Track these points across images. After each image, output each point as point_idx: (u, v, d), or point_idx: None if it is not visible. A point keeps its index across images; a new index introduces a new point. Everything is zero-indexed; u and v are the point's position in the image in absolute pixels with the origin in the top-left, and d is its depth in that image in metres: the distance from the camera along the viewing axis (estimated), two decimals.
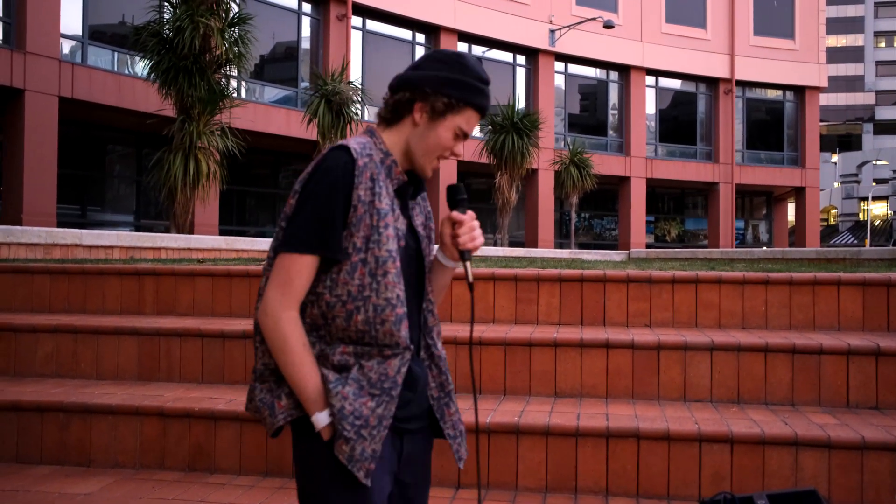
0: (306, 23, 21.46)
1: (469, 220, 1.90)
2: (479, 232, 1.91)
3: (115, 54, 17.11)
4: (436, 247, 1.98)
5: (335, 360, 1.75)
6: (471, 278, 1.90)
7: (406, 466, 1.86)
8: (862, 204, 57.08)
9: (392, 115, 1.86)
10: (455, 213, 1.91)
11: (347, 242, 1.74)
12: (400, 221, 1.81)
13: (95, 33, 16.90)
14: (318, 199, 1.72)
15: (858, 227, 53.72)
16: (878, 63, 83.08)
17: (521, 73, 26.31)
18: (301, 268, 1.73)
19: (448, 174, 23.10)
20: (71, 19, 16.12)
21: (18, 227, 8.20)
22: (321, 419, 1.72)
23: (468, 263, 1.91)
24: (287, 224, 1.75)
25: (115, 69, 17.04)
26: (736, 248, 29.00)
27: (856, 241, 48.65)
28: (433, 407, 1.91)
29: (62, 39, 15.76)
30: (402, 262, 1.81)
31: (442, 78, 1.81)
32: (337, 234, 1.72)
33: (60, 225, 14.87)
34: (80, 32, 16.46)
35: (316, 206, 1.72)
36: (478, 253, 14.69)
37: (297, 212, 1.74)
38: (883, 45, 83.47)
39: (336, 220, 1.72)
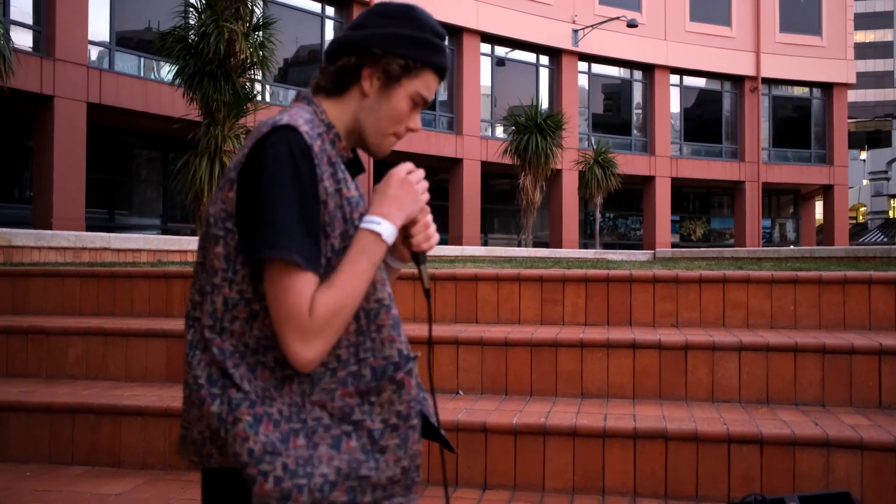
0: (329, 26, 21.58)
1: (424, 216, 1.56)
2: (434, 228, 1.58)
3: (142, 60, 17.32)
4: None
5: (336, 407, 1.43)
6: (426, 284, 1.59)
7: None
8: (892, 201, 56.24)
9: (335, 84, 1.53)
10: None
11: (324, 245, 1.40)
12: (364, 205, 1.49)
13: (122, 39, 17.12)
14: (287, 196, 1.36)
15: (888, 225, 52.91)
16: None
17: (544, 74, 26.24)
18: (303, 282, 1.37)
19: (472, 173, 23.11)
20: (98, 26, 16.34)
21: (49, 231, 8.32)
22: (385, 226, 1.44)
23: (424, 267, 1.59)
24: (267, 230, 1.35)
25: (142, 75, 17.24)
26: (763, 246, 28.70)
27: (886, 240, 47.92)
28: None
29: (90, 46, 16.00)
30: None
31: (393, 35, 1.49)
32: (315, 239, 1.39)
33: (89, 229, 15.07)
34: (107, 39, 16.68)
35: (291, 203, 1.36)
36: (503, 254, 14.67)
37: (279, 212, 1.36)
38: None
39: (305, 221, 1.37)
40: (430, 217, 1.57)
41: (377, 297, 1.48)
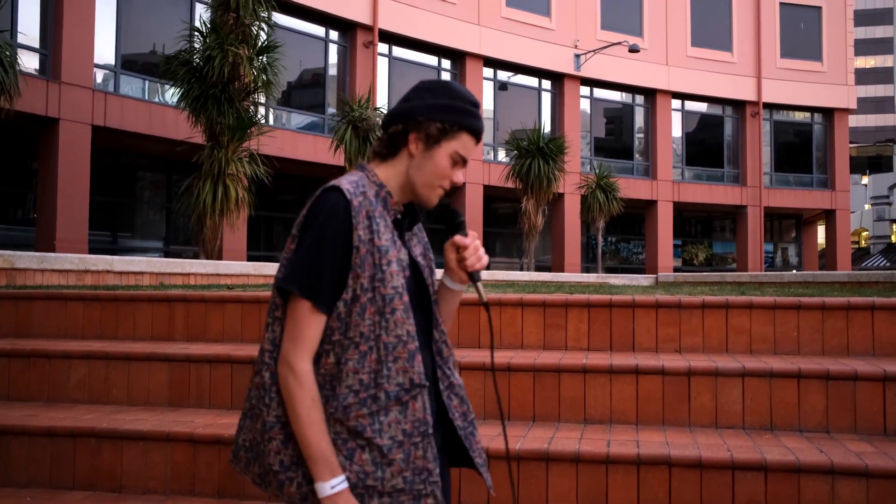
0: (333, 50, 21.72)
1: (472, 241, 1.89)
2: (482, 250, 1.91)
3: (146, 83, 17.43)
4: (438, 273, 1.96)
5: (350, 426, 1.74)
6: (485, 298, 1.88)
7: (445, 495, 1.90)
8: (894, 226, 56.22)
9: (387, 149, 1.85)
10: (458, 238, 1.90)
11: (355, 283, 1.73)
12: (402, 253, 1.81)
13: (127, 62, 17.23)
14: (317, 246, 1.74)
15: (890, 250, 52.84)
16: None
17: (546, 98, 26.37)
18: (310, 316, 1.73)
19: (474, 197, 23.15)
20: (104, 49, 16.46)
21: (52, 254, 8.33)
22: (324, 488, 1.70)
23: (479, 284, 1.90)
24: (295, 269, 1.75)
25: (146, 98, 17.34)
26: (765, 271, 28.66)
27: (888, 264, 47.82)
28: (460, 436, 1.92)
29: (95, 69, 16.09)
30: (409, 295, 1.80)
31: (431, 105, 1.82)
32: (329, 284, 1.73)
33: (92, 251, 15.08)
34: (112, 62, 16.80)
35: (318, 253, 1.74)
36: (504, 278, 14.70)
37: (308, 257, 1.74)
38: None
39: (325, 268, 1.73)
40: (478, 241, 1.91)
41: (397, 333, 1.75)
